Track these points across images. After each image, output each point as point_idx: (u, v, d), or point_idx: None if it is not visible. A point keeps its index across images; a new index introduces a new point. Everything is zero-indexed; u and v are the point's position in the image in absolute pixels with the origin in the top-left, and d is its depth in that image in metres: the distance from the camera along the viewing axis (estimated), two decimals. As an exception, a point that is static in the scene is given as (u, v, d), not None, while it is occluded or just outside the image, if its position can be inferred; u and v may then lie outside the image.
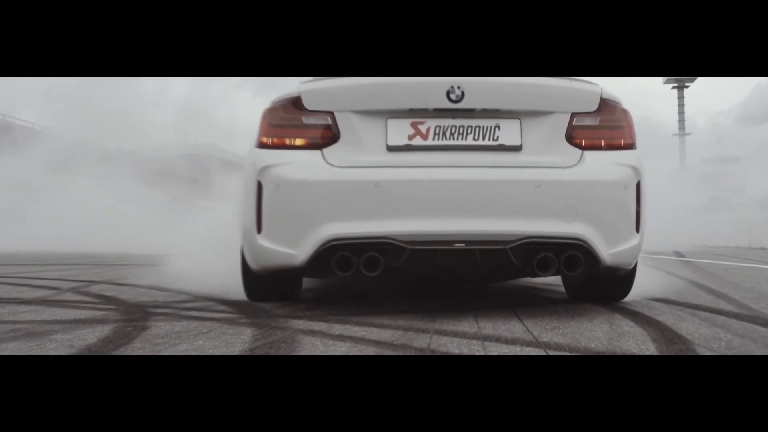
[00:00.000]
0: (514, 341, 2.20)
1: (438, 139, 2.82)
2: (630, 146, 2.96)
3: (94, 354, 2.00)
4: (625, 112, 2.99)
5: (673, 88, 55.66)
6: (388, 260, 2.71)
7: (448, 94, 2.79)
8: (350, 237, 2.70)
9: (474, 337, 2.27)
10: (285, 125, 2.88)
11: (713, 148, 59.68)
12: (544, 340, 2.23)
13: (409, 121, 2.83)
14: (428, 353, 2.00)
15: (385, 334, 2.32)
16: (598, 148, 2.91)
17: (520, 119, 2.85)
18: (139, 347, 2.10)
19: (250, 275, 3.16)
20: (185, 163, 29.37)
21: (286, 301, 3.29)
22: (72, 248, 14.26)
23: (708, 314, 2.89)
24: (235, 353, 2.01)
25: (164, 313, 2.96)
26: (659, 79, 56.49)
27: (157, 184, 26.62)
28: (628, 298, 3.32)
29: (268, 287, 3.25)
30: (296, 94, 2.88)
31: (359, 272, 2.72)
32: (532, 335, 2.31)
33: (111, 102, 31.59)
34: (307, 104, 2.86)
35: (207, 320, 2.71)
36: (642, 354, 2.00)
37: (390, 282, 4.34)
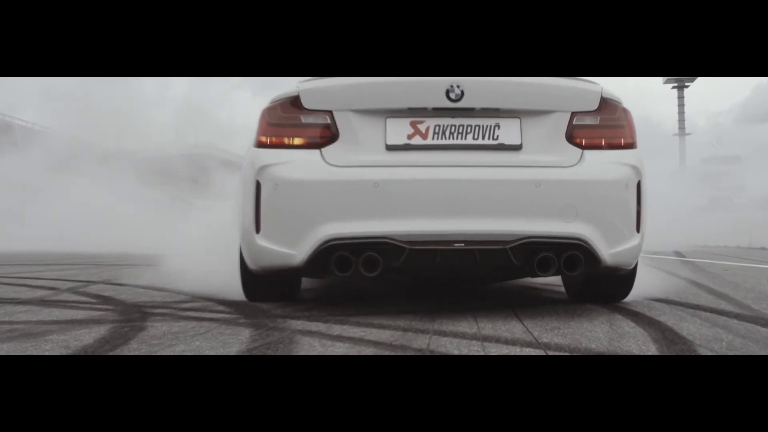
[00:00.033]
0: (514, 342, 2.18)
1: (437, 139, 2.80)
2: (630, 146, 2.94)
3: (90, 355, 1.98)
4: (625, 111, 2.97)
5: (673, 88, 55.69)
6: (387, 260, 2.69)
7: (447, 93, 2.77)
8: (349, 237, 2.68)
9: (474, 337, 2.25)
10: (283, 124, 2.87)
11: (713, 148, 59.73)
12: (544, 340, 2.21)
13: (409, 120, 2.81)
14: (427, 354, 1.99)
15: (384, 335, 2.30)
16: (599, 147, 2.89)
17: (520, 118, 2.83)
18: (135, 348, 2.08)
19: (248, 275, 3.15)
20: (185, 163, 29.37)
21: (285, 302, 3.27)
22: (71, 248, 14.25)
23: (709, 314, 2.87)
24: (232, 354, 1.99)
25: (162, 313, 2.94)
26: (659, 79, 56.53)
27: (157, 184, 26.60)
28: (629, 298, 3.31)
29: (267, 287, 3.24)
30: (295, 93, 2.87)
31: (358, 272, 2.70)
32: (532, 336, 2.30)
33: (111, 102, 31.61)
34: (306, 103, 2.85)
35: (205, 320, 2.69)
36: (643, 354, 1.98)
37: (389, 282, 4.32)
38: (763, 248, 15.80)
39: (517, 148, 2.81)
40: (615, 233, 2.80)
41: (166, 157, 29.17)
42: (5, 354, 1.99)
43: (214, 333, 2.36)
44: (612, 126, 2.92)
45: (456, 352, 2.00)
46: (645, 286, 3.56)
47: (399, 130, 2.80)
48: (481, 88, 2.80)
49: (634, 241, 2.87)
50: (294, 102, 2.86)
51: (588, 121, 2.89)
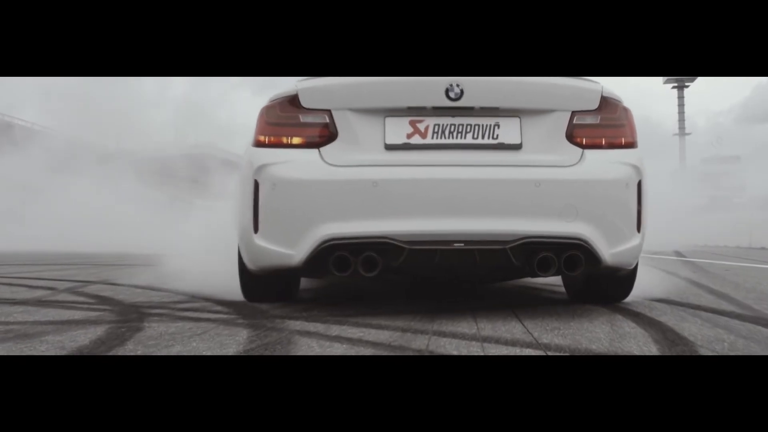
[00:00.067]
0: (513, 342, 2.16)
1: (437, 138, 2.78)
2: (631, 145, 2.92)
3: (84, 355, 1.96)
4: (626, 110, 2.95)
5: (673, 87, 55.69)
6: (386, 260, 2.67)
7: (447, 92, 2.75)
8: (348, 237, 2.66)
9: (473, 338, 2.23)
10: (282, 124, 2.85)
11: (713, 148, 59.74)
12: (545, 341, 2.19)
13: (408, 119, 2.79)
14: (426, 354, 1.97)
15: (382, 336, 2.29)
16: (599, 146, 2.87)
17: (519, 117, 2.81)
18: (131, 349, 2.06)
19: (247, 275, 3.13)
20: (185, 163, 29.37)
21: (284, 302, 3.25)
22: (71, 248, 14.24)
23: (710, 315, 2.86)
24: (229, 354, 1.97)
25: (159, 313, 2.92)
26: (659, 79, 56.53)
27: (157, 184, 26.61)
28: (629, 298, 3.29)
29: (266, 287, 3.22)
30: (293, 92, 2.85)
31: (357, 272, 2.68)
32: (532, 336, 2.28)
33: (111, 102, 31.60)
34: (305, 102, 2.83)
35: (202, 321, 2.67)
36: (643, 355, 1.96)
37: (388, 282, 4.30)
38: (763, 248, 15.79)
39: (516, 147, 2.79)
40: (615, 233, 2.78)
41: (166, 157, 29.17)
42: None
43: (212, 334, 2.35)
44: (612, 125, 2.90)
45: (455, 353, 1.98)
46: (645, 286, 3.54)
47: (398, 130, 2.78)
48: (480, 87, 2.78)
49: (635, 241, 2.85)
50: (292, 101, 2.84)
51: (588, 120, 2.87)
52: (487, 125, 2.79)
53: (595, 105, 2.87)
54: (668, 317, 2.76)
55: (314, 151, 2.78)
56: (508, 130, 2.80)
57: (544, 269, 2.73)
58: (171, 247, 6.20)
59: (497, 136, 2.79)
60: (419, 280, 4.04)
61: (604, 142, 2.88)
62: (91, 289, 4.28)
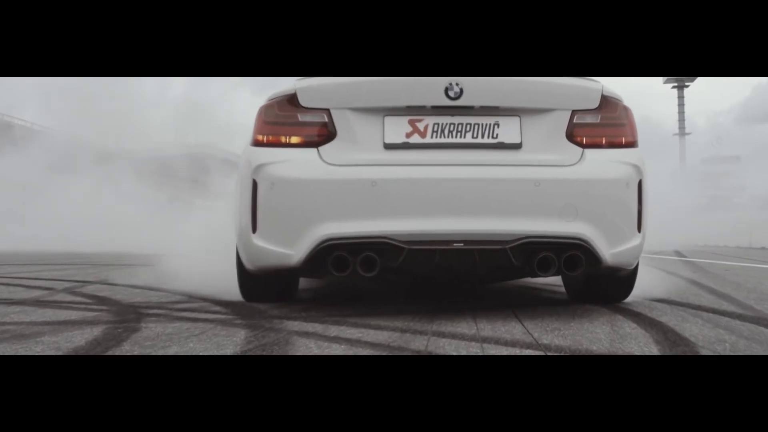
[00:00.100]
0: (513, 343, 2.14)
1: (436, 137, 2.76)
2: (631, 144, 2.90)
3: (79, 355, 1.95)
4: (626, 109, 2.93)
5: (673, 87, 55.65)
6: (385, 260, 2.66)
7: (446, 91, 2.74)
8: (347, 237, 2.64)
9: (473, 339, 2.22)
10: (280, 123, 2.83)
11: (713, 148, 59.72)
12: (545, 342, 2.17)
13: (407, 118, 2.77)
14: (425, 355, 1.95)
15: (381, 336, 2.27)
16: (599, 146, 2.85)
17: (519, 117, 2.80)
18: (127, 350, 2.04)
19: (245, 275, 3.11)
20: (185, 163, 29.34)
21: (283, 302, 3.24)
22: (71, 248, 14.22)
23: (711, 315, 2.84)
24: (225, 354, 1.95)
25: (157, 314, 2.90)
26: (659, 79, 56.48)
27: (157, 184, 26.58)
28: (630, 298, 3.27)
29: (264, 287, 3.20)
30: (292, 91, 2.83)
31: (356, 272, 2.66)
32: (532, 337, 2.26)
33: (111, 102, 31.58)
34: (303, 101, 2.81)
35: (200, 321, 2.66)
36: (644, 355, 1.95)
37: (388, 281, 4.28)
38: (763, 248, 15.77)
39: (516, 146, 2.77)
40: (616, 233, 2.76)
41: (165, 157, 29.15)
42: (-5, 356, 1.96)
43: (209, 334, 2.33)
44: (613, 124, 2.88)
45: (455, 354, 1.96)
46: (646, 286, 3.52)
47: (397, 129, 2.76)
48: (480, 86, 2.76)
49: (635, 240, 2.83)
50: (291, 100, 2.82)
51: (588, 119, 2.85)
52: (486, 124, 2.78)
53: (595, 104, 2.85)
54: (669, 318, 2.74)
55: (313, 151, 2.76)
56: (508, 130, 2.78)
57: (544, 269, 2.71)
58: (170, 246, 6.18)
59: (497, 135, 2.77)
60: (418, 280, 4.03)
61: (604, 142, 2.86)
62: (89, 289, 4.26)
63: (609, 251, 2.73)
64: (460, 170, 2.70)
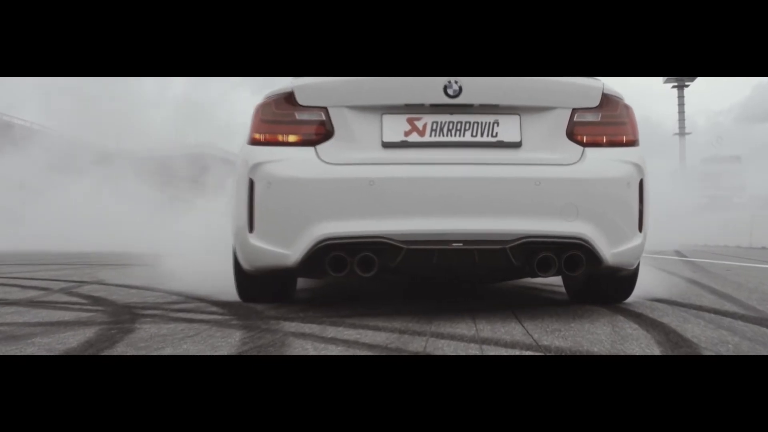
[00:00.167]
0: (513, 344, 2.11)
1: (435, 136, 2.73)
2: (632, 143, 2.87)
3: (73, 355, 1.91)
4: (627, 108, 2.90)
5: (673, 87, 55.55)
6: (384, 260, 2.62)
7: (445, 89, 2.70)
8: (344, 236, 2.61)
9: (472, 340, 2.18)
10: (277, 121, 2.80)
11: (713, 148, 59.65)
12: (545, 343, 2.14)
13: (405, 116, 2.74)
14: (423, 355, 1.92)
15: (379, 337, 2.24)
16: (600, 144, 2.82)
17: (519, 115, 2.76)
18: (120, 351, 2.01)
19: (242, 275, 3.08)
20: (184, 163, 29.29)
21: (280, 302, 3.20)
22: (70, 248, 14.19)
23: (713, 316, 2.80)
24: (220, 355, 1.92)
25: (152, 314, 2.87)
26: (659, 79, 56.36)
27: (157, 184, 26.54)
28: (630, 298, 3.24)
29: (261, 288, 3.17)
30: (289, 90, 2.80)
31: (353, 273, 2.63)
32: (532, 338, 2.23)
33: (111, 102, 31.54)
34: (300, 100, 2.78)
35: (196, 322, 2.62)
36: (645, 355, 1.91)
37: (386, 281, 4.25)
38: (763, 248, 15.72)
39: (516, 145, 2.74)
40: (617, 233, 2.73)
41: (165, 157, 29.10)
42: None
43: (204, 335, 2.29)
44: (614, 123, 2.85)
45: (453, 355, 1.93)
46: (646, 286, 3.49)
47: (395, 127, 2.73)
48: (479, 84, 2.73)
49: (637, 240, 2.80)
50: (288, 98, 2.79)
51: (589, 118, 2.82)
52: (486, 123, 2.74)
53: (596, 102, 2.82)
54: (671, 318, 2.71)
55: (310, 149, 2.73)
56: (508, 128, 2.75)
57: (545, 269, 2.68)
58: (170, 246, 6.15)
59: (496, 133, 2.74)
60: (417, 280, 3.99)
61: (605, 140, 2.83)
62: (85, 289, 4.23)
63: (610, 251, 2.70)
64: (460, 169, 2.66)
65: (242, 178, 2.78)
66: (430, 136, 2.73)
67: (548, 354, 1.97)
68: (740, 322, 2.61)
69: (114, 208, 20.90)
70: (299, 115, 2.78)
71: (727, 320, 2.68)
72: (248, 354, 1.97)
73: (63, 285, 4.65)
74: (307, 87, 2.78)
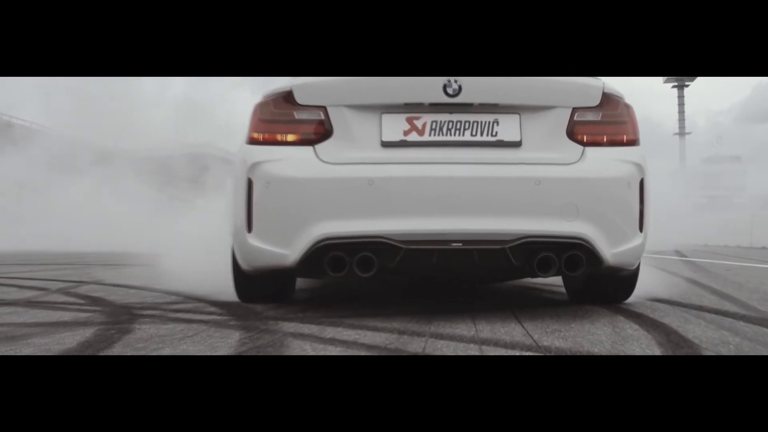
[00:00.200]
0: (513, 345, 2.10)
1: (434, 135, 2.72)
2: (633, 142, 2.86)
3: (68, 355, 1.90)
4: (627, 107, 2.89)
5: (673, 87, 55.51)
6: (383, 260, 2.61)
7: (444, 88, 2.69)
8: (343, 236, 2.59)
9: (471, 340, 2.17)
10: (276, 120, 2.78)
11: (713, 148, 59.64)
12: (545, 344, 2.13)
13: (405, 116, 2.72)
14: (421, 355, 1.90)
15: (378, 338, 2.22)
16: (600, 144, 2.81)
17: (519, 114, 2.75)
18: (118, 352, 2.00)
19: (241, 275, 3.06)
20: (184, 162, 29.27)
21: (279, 302, 3.19)
22: (70, 247, 14.18)
23: (714, 316, 2.79)
24: (217, 354, 1.90)
25: (151, 315, 2.86)
26: (659, 79, 56.30)
27: (156, 183, 26.53)
28: (631, 299, 3.22)
29: (260, 288, 3.16)
30: (288, 89, 2.78)
31: (352, 273, 2.61)
32: (532, 339, 2.21)
33: (111, 102, 31.53)
34: (299, 99, 2.76)
35: (194, 323, 2.61)
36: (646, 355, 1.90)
37: (386, 281, 4.23)
38: (764, 248, 15.71)
39: (516, 144, 2.73)
40: (617, 232, 2.72)
41: (165, 156, 29.09)
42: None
43: (203, 336, 2.28)
44: (614, 122, 2.84)
45: (452, 355, 1.91)
46: (647, 286, 3.48)
47: (395, 126, 2.72)
48: (479, 83, 2.71)
49: (637, 240, 2.78)
50: (287, 97, 2.78)
51: (589, 117, 2.81)
52: (485, 122, 2.73)
53: (596, 101, 2.81)
54: (671, 319, 2.69)
55: (309, 149, 2.72)
56: (508, 127, 2.74)
57: (545, 269, 2.66)
58: (169, 246, 6.13)
59: (496, 133, 2.73)
60: (416, 280, 3.98)
61: (605, 140, 2.81)
62: (84, 289, 4.22)
63: (610, 251, 2.69)
64: (459, 168, 2.65)
65: (240, 178, 2.77)
66: (430, 135, 2.71)
67: (548, 354, 1.96)
68: (741, 323, 2.60)
69: (114, 208, 20.90)
70: (298, 115, 2.76)
71: (728, 321, 2.66)
72: (247, 354, 1.95)
73: (61, 285, 4.64)
74: (306, 86, 2.77)
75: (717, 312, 2.92)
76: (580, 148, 2.77)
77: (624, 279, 3.07)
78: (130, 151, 28.39)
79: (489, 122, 2.73)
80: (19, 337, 2.26)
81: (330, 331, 2.35)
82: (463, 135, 2.72)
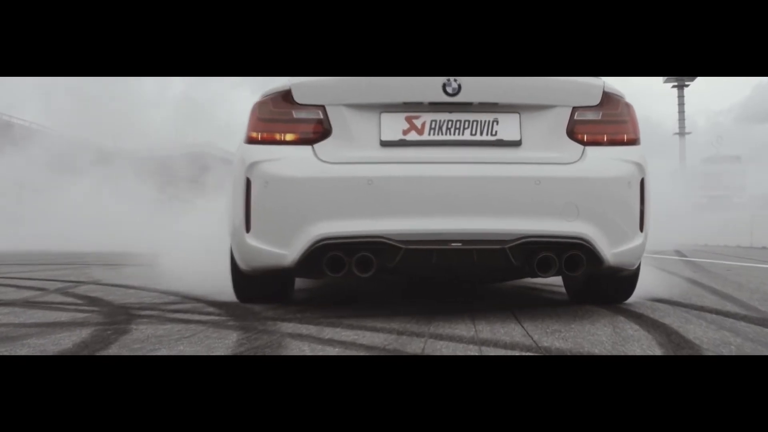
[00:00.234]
0: (513, 346, 2.08)
1: (434, 134, 2.70)
2: (633, 142, 2.84)
3: (65, 355, 1.88)
4: (628, 106, 2.87)
5: (673, 87, 55.45)
6: (382, 260, 2.59)
7: (444, 87, 2.67)
8: (342, 236, 2.58)
9: (471, 341, 2.16)
10: (275, 119, 2.77)
11: (713, 148, 59.63)
12: (545, 344, 2.11)
13: (404, 115, 2.71)
14: (420, 355, 1.89)
15: (377, 339, 2.21)
16: (601, 143, 2.79)
17: (519, 113, 2.74)
18: (115, 353, 1.98)
19: (239, 275, 3.05)
20: (184, 162, 29.25)
21: (277, 303, 3.17)
22: (70, 247, 14.16)
23: (715, 316, 2.78)
24: (215, 355, 1.89)
25: (149, 315, 2.84)
26: (659, 79, 56.26)
27: (156, 183, 26.51)
28: (631, 299, 3.21)
29: (259, 288, 3.14)
30: (286, 88, 2.77)
31: (351, 273, 2.60)
32: (532, 339, 2.20)
33: (111, 102, 31.52)
34: (298, 98, 2.75)
35: (192, 323, 2.60)
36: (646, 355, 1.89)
37: (385, 282, 4.22)
38: (764, 248, 15.69)
39: (516, 144, 2.71)
40: (618, 232, 2.70)
41: (165, 157, 29.07)
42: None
43: (200, 336, 2.27)
44: (614, 121, 2.82)
45: (451, 355, 1.90)
46: (647, 286, 3.46)
47: (394, 126, 2.70)
48: (478, 83, 2.70)
49: (638, 240, 2.77)
50: (285, 96, 2.76)
51: (590, 116, 2.79)
52: (485, 121, 2.71)
53: (596, 101, 2.79)
54: (672, 319, 2.68)
55: (308, 148, 2.70)
56: (507, 127, 2.72)
57: (545, 269, 2.65)
58: (168, 246, 6.12)
59: (496, 132, 2.71)
60: (416, 280, 3.96)
61: (605, 139, 2.80)
62: (82, 289, 4.20)
63: (610, 251, 2.67)
64: (459, 168, 2.63)
65: (239, 177, 2.75)
66: (429, 134, 2.70)
67: (548, 355, 1.94)
68: (742, 323, 2.58)
69: (114, 208, 20.87)
70: (297, 114, 2.75)
71: (729, 321, 2.65)
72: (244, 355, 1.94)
73: (59, 285, 4.62)
74: (305, 85, 2.75)
75: (718, 312, 2.91)
76: (580, 147, 2.75)
77: (624, 279, 3.05)
78: (130, 151, 28.37)
79: (489, 121, 2.72)
80: (15, 338, 2.25)
81: (328, 332, 2.34)
82: (463, 134, 2.70)
